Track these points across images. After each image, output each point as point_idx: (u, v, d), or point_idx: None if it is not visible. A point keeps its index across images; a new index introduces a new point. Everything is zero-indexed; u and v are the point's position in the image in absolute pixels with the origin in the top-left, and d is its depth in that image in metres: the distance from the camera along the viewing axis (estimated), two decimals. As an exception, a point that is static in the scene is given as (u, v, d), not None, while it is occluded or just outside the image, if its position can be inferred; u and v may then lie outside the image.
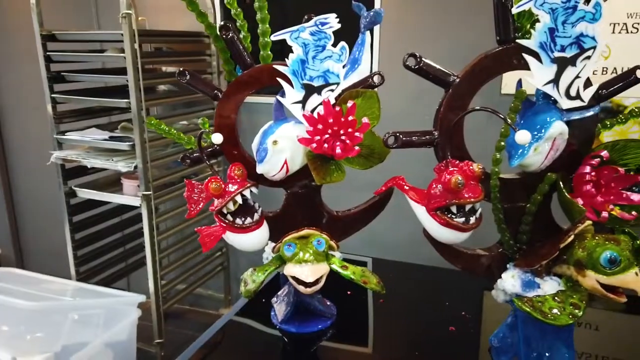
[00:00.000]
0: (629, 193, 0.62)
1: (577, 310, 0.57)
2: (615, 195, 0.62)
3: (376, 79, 0.73)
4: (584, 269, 0.58)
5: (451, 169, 0.61)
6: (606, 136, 1.41)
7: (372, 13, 0.75)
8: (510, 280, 0.64)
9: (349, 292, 0.96)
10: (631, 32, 1.35)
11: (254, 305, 0.93)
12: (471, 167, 0.60)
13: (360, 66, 0.77)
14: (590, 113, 0.62)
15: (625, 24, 1.36)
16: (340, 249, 0.78)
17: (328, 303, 0.89)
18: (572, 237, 0.59)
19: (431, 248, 0.67)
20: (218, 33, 0.71)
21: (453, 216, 0.61)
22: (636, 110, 0.65)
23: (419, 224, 0.65)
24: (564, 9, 0.59)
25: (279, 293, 0.88)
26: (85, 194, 1.69)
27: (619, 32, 1.37)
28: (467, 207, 0.61)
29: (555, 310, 0.57)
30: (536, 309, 0.57)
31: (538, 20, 0.60)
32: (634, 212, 0.61)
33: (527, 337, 0.68)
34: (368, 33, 0.77)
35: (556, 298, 0.58)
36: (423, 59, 0.61)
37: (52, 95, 1.61)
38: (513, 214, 0.66)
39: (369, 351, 0.80)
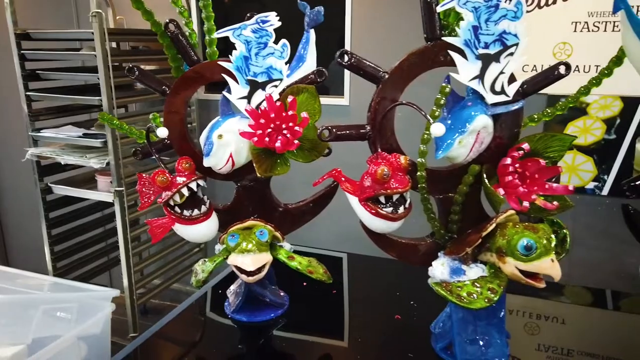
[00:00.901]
0: (551, 184, 0.65)
1: (493, 295, 0.59)
2: (539, 186, 0.65)
3: (320, 75, 0.76)
4: (504, 256, 0.61)
5: (380, 161, 0.63)
6: (572, 132, 1.44)
7: (314, 12, 0.78)
8: (440, 268, 0.67)
9: (304, 284, 0.98)
10: (592, 30, 1.39)
11: (213, 297, 0.95)
12: (398, 160, 0.63)
13: (305, 63, 0.79)
14: (515, 107, 0.65)
15: (586, 22, 1.39)
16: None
17: (282, 294, 0.91)
18: (494, 225, 0.62)
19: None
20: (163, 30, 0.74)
21: (382, 206, 0.64)
22: (560, 105, 0.68)
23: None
24: (487, 8, 0.62)
25: (232, 285, 0.90)
26: (60, 190, 1.71)
27: (581, 31, 1.40)
28: (395, 197, 0.64)
29: (473, 295, 0.59)
30: (453, 293, 0.59)
31: (463, 19, 0.63)
32: (555, 202, 0.64)
33: (459, 323, 0.70)
34: (312, 31, 0.79)
35: (476, 284, 0.61)
36: (354, 55, 0.64)
37: (27, 93, 1.63)
38: (445, 205, 0.69)
39: (317, 339, 0.83)
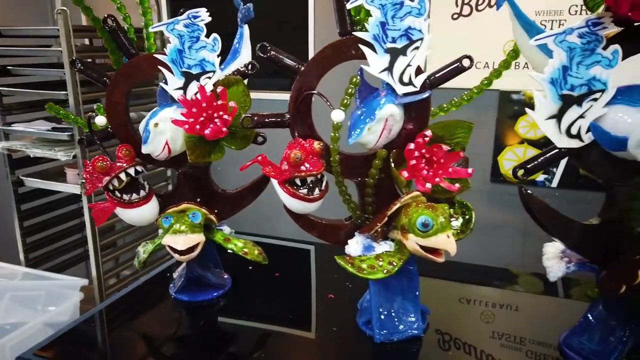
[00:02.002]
0: (456, 167, 0.70)
1: (391, 267, 0.65)
2: (443, 170, 0.70)
3: (251, 67, 0.81)
4: (406, 232, 0.66)
5: (295, 146, 0.69)
6: (521, 127, 1.50)
7: (245, 8, 0.83)
8: (355, 246, 0.72)
9: (250, 268, 1.04)
10: (539, 28, 1.44)
11: (164, 279, 1.00)
12: (312, 145, 0.68)
13: (240, 56, 0.85)
14: (422, 97, 0.70)
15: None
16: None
17: (225, 276, 0.97)
18: (398, 205, 0.67)
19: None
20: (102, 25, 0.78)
21: (298, 188, 0.70)
22: (466, 96, 0.73)
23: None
24: (393, 5, 0.67)
25: (179, 268, 0.96)
26: (31, 182, 1.75)
27: (529, 29, 1.45)
28: (310, 179, 0.69)
29: (374, 267, 0.65)
30: (354, 265, 0.65)
31: (371, 15, 0.68)
32: (457, 185, 0.70)
33: (376, 298, 0.76)
34: (246, 26, 0.85)
35: (379, 258, 0.67)
36: (271, 49, 0.69)
37: (-2, 88, 1.68)
38: (361, 188, 0.74)
39: (253, 319, 0.88)
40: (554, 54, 0.60)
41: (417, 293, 0.77)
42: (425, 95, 0.70)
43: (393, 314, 0.76)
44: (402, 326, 0.76)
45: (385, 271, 0.65)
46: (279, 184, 0.70)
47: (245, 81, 0.85)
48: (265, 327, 0.85)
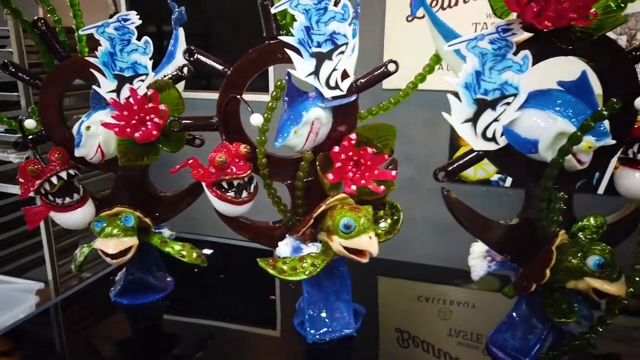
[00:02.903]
0: (383, 170, 0.72)
1: (313, 269, 0.66)
2: (370, 172, 0.71)
3: (185, 70, 0.81)
4: (331, 234, 0.67)
5: (221, 149, 0.69)
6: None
7: (178, 11, 0.83)
8: (284, 247, 0.73)
9: (195, 270, 1.03)
10: (490, 31, 1.47)
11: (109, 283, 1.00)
12: (238, 148, 0.69)
13: (175, 59, 0.85)
14: (348, 101, 0.71)
15: (485, 23, 1.48)
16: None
17: (169, 279, 0.96)
18: (323, 207, 0.68)
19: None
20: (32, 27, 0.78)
21: (226, 191, 0.70)
22: (394, 99, 0.75)
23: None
24: (317, 10, 0.68)
25: (120, 271, 0.95)
26: (-15, 185, 1.72)
27: (480, 31, 1.48)
28: (237, 182, 0.69)
29: (296, 269, 0.66)
30: (276, 267, 0.66)
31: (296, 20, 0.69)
32: (382, 187, 0.71)
33: (309, 299, 0.77)
34: (181, 29, 0.85)
35: (303, 259, 0.68)
36: (197, 52, 0.69)
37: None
38: (292, 190, 0.75)
39: (197, 320, 0.89)
40: (467, 59, 0.62)
41: (349, 293, 0.78)
42: (352, 99, 0.71)
43: (325, 314, 0.77)
44: (334, 326, 0.78)
45: (307, 272, 0.66)
46: (207, 186, 0.70)
47: (183, 83, 0.85)
48: (203, 329, 0.85)
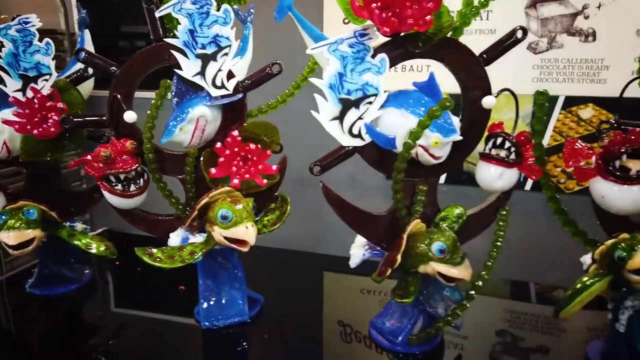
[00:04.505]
0: (266, 164, 0.76)
1: (190, 256, 0.71)
2: (255, 167, 0.76)
3: (90, 71, 0.85)
4: (212, 225, 0.72)
5: (108, 145, 0.73)
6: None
7: (82, 13, 0.87)
8: (175, 238, 0.77)
9: (117, 263, 1.07)
10: (421, 34, 1.53)
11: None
12: (124, 144, 0.73)
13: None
14: (232, 100, 0.75)
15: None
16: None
17: (86, 271, 1.00)
18: (205, 200, 0.73)
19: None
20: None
21: (114, 184, 0.74)
22: (273, 103, 0.80)
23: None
24: (199, 14, 0.72)
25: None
26: None
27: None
28: (123, 176, 0.74)
29: (172, 257, 0.70)
30: (153, 256, 0.70)
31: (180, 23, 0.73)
32: (265, 180, 0.76)
33: (204, 287, 0.81)
34: (87, 31, 0.89)
35: (182, 248, 0.72)
36: (86, 53, 0.73)
37: None
38: (183, 184, 0.79)
39: (99, 310, 0.92)
40: (330, 61, 0.67)
41: (242, 282, 0.83)
42: (237, 98, 0.76)
43: (219, 302, 0.82)
44: (228, 313, 0.82)
45: (182, 260, 0.70)
46: (97, 180, 0.74)
47: (91, 82, 0.89)
48: (107, 317, 0.89)
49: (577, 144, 0.69)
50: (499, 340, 0.81)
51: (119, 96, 0.72)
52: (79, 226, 0.94)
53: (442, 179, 1.68)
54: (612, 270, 0.62)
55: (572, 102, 1.43)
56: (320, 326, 0.88)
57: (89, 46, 0.89)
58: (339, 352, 0.79)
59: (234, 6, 0.78)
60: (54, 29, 1.88)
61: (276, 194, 0.82)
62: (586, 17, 1.36)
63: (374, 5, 0.61)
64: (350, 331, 0.84)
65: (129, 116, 0.68)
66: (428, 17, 0.60)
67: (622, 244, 0.61)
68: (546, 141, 1.47)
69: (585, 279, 0.63)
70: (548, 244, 1.51)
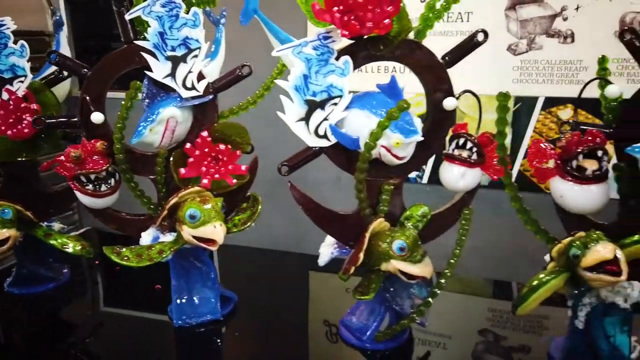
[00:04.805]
0: (236, 164, 0.77)
1: (159, 255, 0.72)
2: (225, 167, 0.77)
3: (65, 72, 0.86)
4: (182, 224, 0.73)
5: (78, 146, 0.74)
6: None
7: (57, 16, 0.89)
8: (146, 237, 0.78)
9: (97, 262, 1.09)
10: (404, 35, 1.54)
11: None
12: (94, 145, 0.74)
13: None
14: (202, 100, 0.77)
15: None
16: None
17: (65, 270, 1.01)
18: (175, 200, 0.74)
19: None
20: None
21: (85, 184, 0.75)
22: (243, 104, 0.81)
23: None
24: (169, 17, 0.73)
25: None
26: None
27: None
28: (94, 176, 0.75)
29: (140, 256, 0.71)
30: (121, 255, 0.71)
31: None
32: (235, 180, 0.77)
33: (175, 285, 0.83)
34: (63, 33, 0.90)
35: (151, 247, 0.73)
36: (57, 55, 0.75)
37: None
38: (156, 184, 0.80)
39: (78, 308, 0.94)
40: (295, 64, 0.68)
41: (214, 281, 0.84)
42: (207, 99, 0.77)
43: (191, 300, 0.83)
44: (200, 311, 0.83)
45: (150, 259, 0.71)
46: (68, 181, 0.76)
47: (67, 84, 0.90)
48: (86, 316, 0.90)
49: (541, 144, 0.70)
50: (482, 339, 0.82)
51: (87, 98, 0.73)
52: (56, 226, 0.95)
53: (425, 178, 1.70)
54: (568, 267, 0.64)
55: (551, 102, 1.44)
56: (295, 323, 0.89)
57: (65, 48, 0.90)
58: (310, 346, 0.81)
59: (206, 8, 0.79)
60: (41, 31, 1.90)
61: (248, 194, 0.83)
62: (565, 19, 1.38)
63: (336, 8, 0.62)
64: (335, 330, 0.84)
65: (96, 117, 0.70)
66: (387, 21, 0.62)
67: (577, 242, 0.62)
68: (526, 142, 1.49)
69: (541, 275, 0.64)
70: (530, 244, 1.53)
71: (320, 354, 0.80)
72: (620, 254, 0.60)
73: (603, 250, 0.59)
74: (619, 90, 0.64)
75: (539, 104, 1.45)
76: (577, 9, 1.36)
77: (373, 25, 0.62)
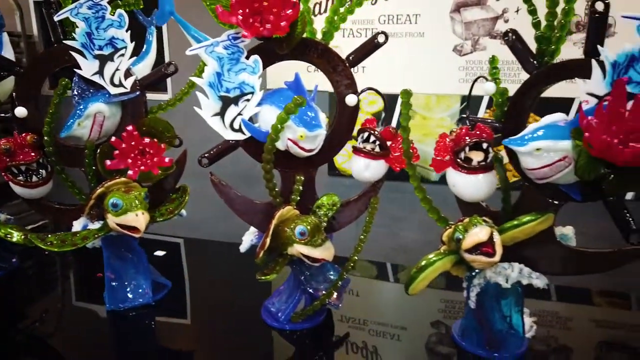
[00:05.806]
0: (161, 157, 0.82)
1: (81, 240, 0.77)
2: (151, 160, 0.82)
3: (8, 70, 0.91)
4: (107, 212, 0.78)
5: (11, 139, 0.79)
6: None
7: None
8: (77, 226, 0.82)
9: (46, 253, 1.13)
10: (356, 35, 1.60)
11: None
12: (24, 137, 0.79)
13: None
14: (130, 97, 0.81)
15: (352, 29, 1.60)
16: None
17: (14, 260, 1.05)
18: (100, 190, 0.78)
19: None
20: None
21: (17, 175, 0.80)
22: (171, 100, 0.86)
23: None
24: (95, 18, 0.78)
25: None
26: None
27: (348, 36, 1.61)
28: (24, 167, 0.79)
29: (64, 242, 0.76)
30: (45, 240, 0.76)
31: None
32: (160, 171, 0.82)
33: (108, 270, 0.87)
34: (5, 34, 0.94)
35: (76, 234, 0.78)
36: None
37: None
38: (86, 175, 0.85)
39: (31, 295, 0.98)
40: (208, 62, 0.73)
41: (145, 267, 0.89)
42: (134, 95, 0.82)
43: (123, 286, 0.88)
44: (131, 296, 0.88)
45: (73, 244, 0.76)
46: (1, 172, 0.80)
47: (10, 82, 0.95)
48: (29, 303, 0.95)
49: (447, 139, 0.76)
50: (434, 331, 0.85)
51: (14, 94, 0.77)
52: (2, 217, 0.99)
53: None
54: (455, 250, 0.69)
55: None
56: (222, 307, 0.94)
57: (7, 49, 0.94)
58: (235, 328, 0.86)
59: (135, 9, 0.84)
60: (10, 31, 1.94)
61: (178, 185, 0.88)
62: (506, 21, 1.44)
63: (241, 11, 0.67)
64: (244, 310, 0.90)
65: (20, 112, 0.75)
66: (283, 23, 0.67)
67: (460, 227, 0.67)
68: (472, 138, 1.54)
69: (430, 256, 0.69)
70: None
71: (244, 334, 0.85)
72: (497, 237, 0.66)
73: (479, 233, 0.65)
74: (494, 87, 0.69)
75: (484, 103, 1.51)
76: (517, 11, 1.42)
77: (272, 27, 0.67)
